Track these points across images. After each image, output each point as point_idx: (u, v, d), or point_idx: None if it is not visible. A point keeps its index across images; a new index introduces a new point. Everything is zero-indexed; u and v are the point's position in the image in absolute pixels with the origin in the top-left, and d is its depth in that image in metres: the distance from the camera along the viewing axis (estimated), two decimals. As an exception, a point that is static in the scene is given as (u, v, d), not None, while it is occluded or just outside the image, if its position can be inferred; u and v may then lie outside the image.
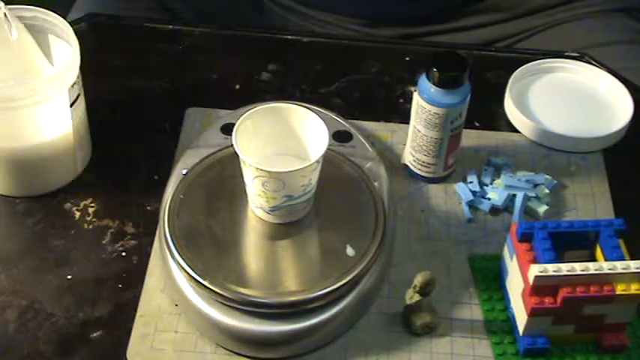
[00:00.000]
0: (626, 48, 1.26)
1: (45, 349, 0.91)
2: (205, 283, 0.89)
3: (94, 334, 0.92)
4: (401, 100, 1.15)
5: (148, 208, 1.02)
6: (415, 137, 1.03)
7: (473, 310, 0.94)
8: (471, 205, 1.03)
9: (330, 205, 0.97)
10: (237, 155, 0.90)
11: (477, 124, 1.11)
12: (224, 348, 0.91)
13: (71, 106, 0.99)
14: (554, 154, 1.09)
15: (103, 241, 0.99)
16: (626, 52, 1.25)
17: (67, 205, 1.02)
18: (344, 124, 1.05)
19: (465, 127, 1.03)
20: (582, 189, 1.05)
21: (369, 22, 1.33)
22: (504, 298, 0.94)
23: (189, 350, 0.91)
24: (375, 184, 0.99)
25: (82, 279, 0.96)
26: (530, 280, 0.86)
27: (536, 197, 1.03)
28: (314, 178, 0.92)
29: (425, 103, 0.99)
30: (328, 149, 0.91)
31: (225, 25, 1.26)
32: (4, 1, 0.98)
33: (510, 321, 0.93)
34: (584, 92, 1.16)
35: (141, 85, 1.15)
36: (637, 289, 0.86)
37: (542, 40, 1.30)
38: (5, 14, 0.97)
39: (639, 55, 1.26)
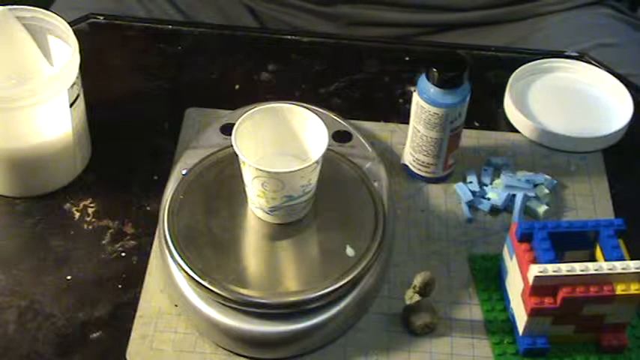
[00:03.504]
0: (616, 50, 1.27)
1: (44, 349, 0.91)
2: (205, 283, 0.89)
3: (94, 335, 0.92)
4: (401, 100, 1.15)
5: (148, 208, 1.02)
6: (415, 137, 1.03)
7: (473, 310, 0.94)
8: (471, 205, 1.03)
9: (330, 205, 0.97)
10: (237, 155, 0.90)
11: (476, 124, 1.11)
12: (224, 348, 0.91)
13: (71, 106, 0.99)
14: (553, 154, 1.09)
15: (103, 242, 0.99)
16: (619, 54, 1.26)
17: (67, 206, 1.02)
18: (344, 124, 1.05)
19: (464, 127, 1.03)
20: (582, 189, 1.05)
21: (324, 0, 1.34)
22: (504, 298, 0.94)
23: (188, 350, 0.91)
24: (375, 184, 0.99)
25: (82, 279, 0.96)
26: (530, 280, 0.86)
27: (536, 197, 1.03)
28: (314, 178, 0.92)
29: (424, 103, 0.99)
30: (328, 149, 0.91)
31: (225, 25, 1.26)
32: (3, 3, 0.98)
33: (510, 321, 0.93)
34: (584, 92, 1.16)
35: (141, 85, 1.15)
36: (637, 289, 0.86)
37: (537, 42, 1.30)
38: None
39: (630, 56, 1.26)
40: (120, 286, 0.95)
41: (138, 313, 0.93)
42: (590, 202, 1.04)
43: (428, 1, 1.32)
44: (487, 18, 1.34)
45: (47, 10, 1.02)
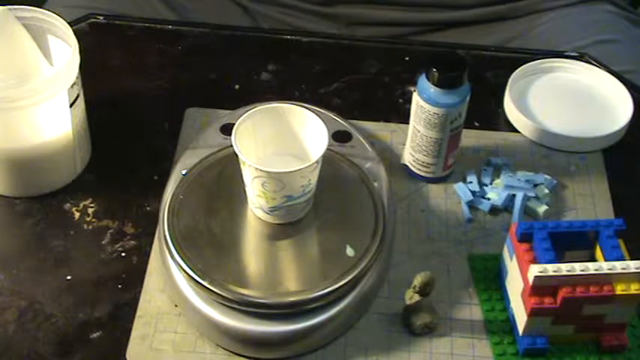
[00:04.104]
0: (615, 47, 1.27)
1: (45, 349, 0.91)
2: (205, 283, 0.89)
3: (94, 335, 0.92)
4: (400, 100, 1.15)
5: (148, 208, 1.02)
6: (415, 137, 1.03)
7: (473, 310, 0.94)
8: (471, 205, 1.03)
9: (330, 205, 0.97)
10: (237, 155, 0.90)
11: (476, 124, 1.11)
12: (224, 348, 0.91)
13: (71, 106, 0.99)
14: (553, 154, 1.09)
15: (103, 242, 0.99)
16: (616, 51, 1.26)
17: (67, 206, 1.02)
18: (344, 124, 1.05)
19: (464, 127, 1.03)
20: (582, 189, 1.05)
21: (323, 1, 1.34)
22: (504, 298, 0.94)
23: (188, 351, 0.91)
24: (375, 184, 0.99)
25: (82, 279, 0.96)
26: (530, 280, 0.86)
27: (536, 197, 1.03)
28: (313, 178, 0.92)
29: (424, 103, 0.99)
30: (328, 149, 0.91)
31: (226, 25, 1.26)
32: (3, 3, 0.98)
33: (510, 321, 0.93)
34: (584, 92, 1.16)
35: (141, 85, 1.15)
36: (637, 289, 0.86)
37: (535, 40, 1.31)
38: None
39: (628, 53, 1.27)
40: (120, 286, 0.95)
41: (138, 313, 0.93)
42: (590, 202, 1.04)
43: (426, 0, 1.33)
44: (486, 15, 1.34)
45: (41, 8, 1.02)
